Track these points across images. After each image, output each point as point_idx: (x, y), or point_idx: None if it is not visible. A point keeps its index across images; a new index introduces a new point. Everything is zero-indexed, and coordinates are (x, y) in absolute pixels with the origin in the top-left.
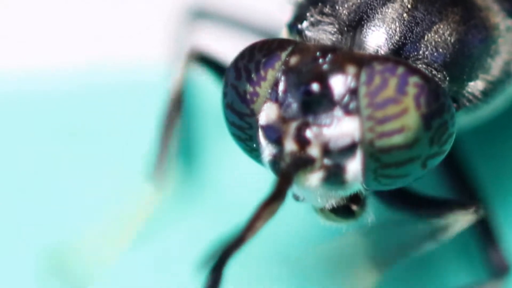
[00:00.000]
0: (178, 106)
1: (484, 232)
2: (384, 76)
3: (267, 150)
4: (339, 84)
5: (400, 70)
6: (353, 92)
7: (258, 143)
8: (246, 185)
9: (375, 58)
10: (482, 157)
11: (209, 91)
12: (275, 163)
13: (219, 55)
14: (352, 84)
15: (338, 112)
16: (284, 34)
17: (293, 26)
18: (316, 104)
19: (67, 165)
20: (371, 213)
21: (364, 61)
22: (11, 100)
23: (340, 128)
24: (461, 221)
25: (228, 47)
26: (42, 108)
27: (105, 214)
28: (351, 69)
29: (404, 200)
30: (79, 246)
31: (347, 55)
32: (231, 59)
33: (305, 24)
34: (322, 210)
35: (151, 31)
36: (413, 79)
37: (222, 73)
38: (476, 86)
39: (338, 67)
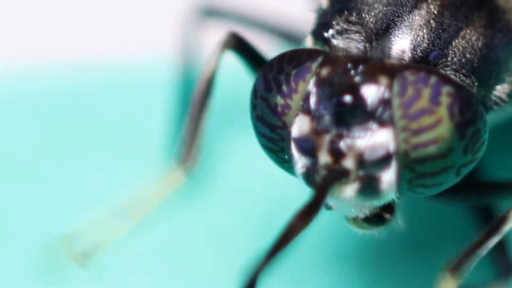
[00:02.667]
0: (209, 91)
1: None
2: (417, 87)
3: (300, 162)
4: (372, 95)
5: (433, 79)
6: (386, 103)
7: (290, 155)
8: (253, 172)
9: (407, 67)
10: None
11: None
12: (309, 176)
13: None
14: (385, 95)
15: (371, 123)
16: (309, 42)
17: (318, 34)
18: (349, 115)
19: (71, 159)
20: (400, 218)
21: (396, 71)
22: (13, 96)
23: (374, 139)
24: None
25: None
26: (47, 103)
27: (106, 206)
28: (384, 80)
29: (455, 190)
30: (78, 237)
31: (379, 66)
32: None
33: (331, 32)
34: (354, 220)
35: (159, 28)
36: (446, 89)
37: (257, 63)
38: (503, 89)
39: (370, 78)
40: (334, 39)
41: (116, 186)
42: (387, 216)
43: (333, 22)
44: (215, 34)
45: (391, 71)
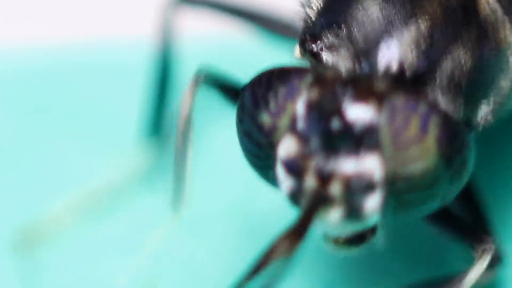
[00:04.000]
0: (188, 132)
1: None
2: (406, 114)
3: (285, 182)
4: (360, 120)
5: (422, 107)
6: (375, 130)
7: (275, 174)
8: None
9: (397, 91)
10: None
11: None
12: (294, 196)
13: (206, 38)
14: (374, 121)
15: (359, 149)
16: (297, 53)
17: (307, 46)
18: (337, 140)
19: (46, 142)
20: (381, 236)
21: (385, 96)
22: None
23: (362, 165)
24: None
25: (214, 29)
26: (22, 85)
27: (81, 190)
28: (373, 105)
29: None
30: (49, 221)
31: (368, 89)
32: (218, 42)
33: (319, 45)
34: (335, 240)
35: (138, 9)
36: (435, 118)
37: (232, 94)
38: (488, 108)
39: (359, 102)
40: (323, 53)
41: (93, 169)
42: (368, 235)
43: (322, 36)
44: (193, 16)
45: (380, 95)
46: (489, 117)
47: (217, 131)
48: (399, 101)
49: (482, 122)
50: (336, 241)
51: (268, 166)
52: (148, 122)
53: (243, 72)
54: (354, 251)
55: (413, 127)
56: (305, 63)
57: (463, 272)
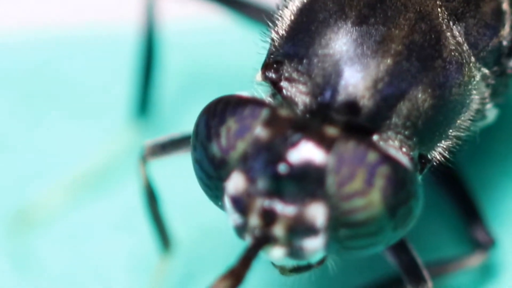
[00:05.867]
0: (154, 197)
1: (469, 210)
2: (353, 166)
3: (232, 216)
4: (307, 168)
5: (370, 158)
6: (321, 178)
7: (223, 206)
8: None
9: (346, 140)
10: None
11: (176, 52)
12: (239, 230)
13: (188, 21)
14: (321, 170)
15: (304, 195)
16: (258, 76)
17: (267, 74)
18: (283, 184)
19: (35, 123)
20: (332, 261)
21: (333, 144)
22: None
23: (305, 211)
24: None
25: (196, 13)
26: (11, 68)
27: (69, 172)
28: (320, 154)
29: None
30: (41, 202)
31: (318, 137)
32: (199, 25)
33: (280, 75)
34: (281, 268)
35: None
36: (381, 170)
37: (183, 144)
38: (445, 143)
39: (308, 150)
40: (282, 83)
41: (84, 151)
42: (315, 265)
43: (283, 65)
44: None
45: (330, 143)
46: (446, 152)
47: None
48: (348, 151)
49: (439, 157)
50: (283, 269)
51: (217, 195)
52: (135, 103)
53: (221, 55)
54: (303, 276)
55: (359, 179)
56: (264, 89)
57: (457, 260)
